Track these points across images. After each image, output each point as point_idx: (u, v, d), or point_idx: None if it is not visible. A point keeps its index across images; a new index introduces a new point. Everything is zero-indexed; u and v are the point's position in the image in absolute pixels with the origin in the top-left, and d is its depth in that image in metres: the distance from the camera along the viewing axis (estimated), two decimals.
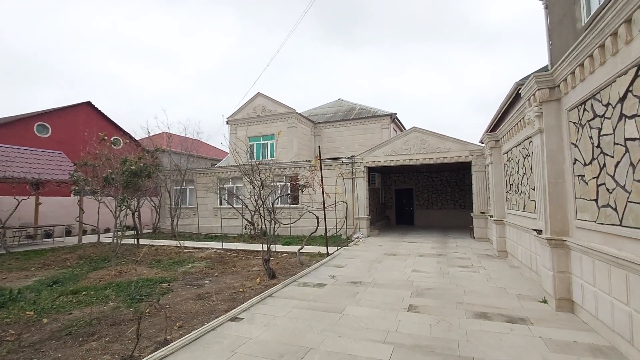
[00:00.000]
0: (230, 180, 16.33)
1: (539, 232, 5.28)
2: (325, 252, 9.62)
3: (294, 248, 10.27)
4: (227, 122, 21.05)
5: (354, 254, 9.86)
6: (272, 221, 7.39)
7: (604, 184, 3.86)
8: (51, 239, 14.37)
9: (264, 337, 4.12)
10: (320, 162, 9.77)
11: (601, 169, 3.91)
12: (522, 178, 7.29)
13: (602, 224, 3.88)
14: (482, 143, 12.13)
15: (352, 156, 14.35)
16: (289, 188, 13.35)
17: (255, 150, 20.34)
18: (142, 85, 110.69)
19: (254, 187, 7.69)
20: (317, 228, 9.20)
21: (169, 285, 6.95)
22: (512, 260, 8.31)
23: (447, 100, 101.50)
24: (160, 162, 13.17)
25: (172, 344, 3.81)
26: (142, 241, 13.26)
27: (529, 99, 5.55)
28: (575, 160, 4.62)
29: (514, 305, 5.08)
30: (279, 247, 11.11)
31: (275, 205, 7.77)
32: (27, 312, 5.20)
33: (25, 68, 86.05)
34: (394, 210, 20.08)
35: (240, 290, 6.35)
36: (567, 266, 4.76)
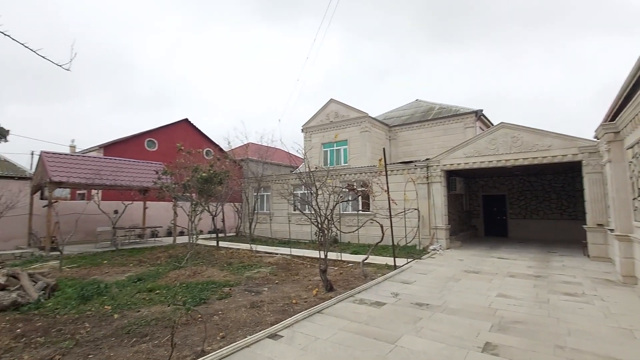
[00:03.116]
0: (303, 186, 16.53)
1: None
2: (393, 264, 8.77)
3: (362, 257, 9.65)
4: (302, 130, 21.60)
5: (427, 269, 8.74)
6: (328, 229, 6.97)
7: None
8: (153, 239, 16.59)
9: None
10: (385, 165, 8.97)
11: None
12: None
13: None
14: (597, 138, 9.67)
15: (427, 159, 13.04)
16: (354, 195, 12.78)
17: (329, 157, 20.40)
18: (248, 105, 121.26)
19: (311, 194, 7.42)
20: (382, 237, 8.43)
21: (230, 289, 7.08)
22: None
23: (571, 95, 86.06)
24: (234, 170, 14.02)
25: (203, 357, 3.66)
26: (222, 243, 14.30)
27: None
28: None
29: None
30: (346, 256, 10.63)
31: (334, 212, 7.34)
32: (106, 307, 5.78)
33: (163, 96, 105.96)
34: (482, 219, 17.66)
35: (294, 301, 6.06)
36: None
